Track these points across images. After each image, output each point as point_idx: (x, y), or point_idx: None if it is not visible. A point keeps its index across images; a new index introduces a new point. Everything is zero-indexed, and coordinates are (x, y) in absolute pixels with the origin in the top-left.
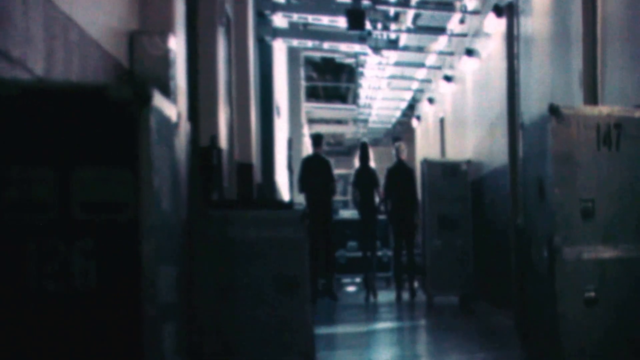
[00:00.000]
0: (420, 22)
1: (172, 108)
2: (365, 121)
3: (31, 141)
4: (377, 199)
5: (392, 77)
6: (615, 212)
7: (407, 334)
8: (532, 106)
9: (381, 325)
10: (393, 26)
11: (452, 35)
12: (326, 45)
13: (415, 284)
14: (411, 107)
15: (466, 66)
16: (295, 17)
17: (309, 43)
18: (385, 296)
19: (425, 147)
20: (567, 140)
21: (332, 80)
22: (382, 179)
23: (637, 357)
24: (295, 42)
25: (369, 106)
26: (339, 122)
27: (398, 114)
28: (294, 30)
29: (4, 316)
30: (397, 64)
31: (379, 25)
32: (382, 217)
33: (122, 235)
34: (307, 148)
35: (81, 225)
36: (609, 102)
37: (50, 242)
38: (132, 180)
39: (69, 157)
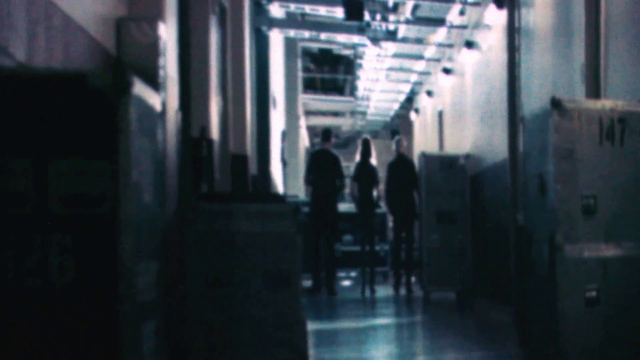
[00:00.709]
0: (420, 13)
1: (156, 97)
2: (364, 113)
3: (8, 130)
4: (375, 195)
5: (391, 69)
6: (618, 209)
7: (403, 330)
8: (533, 100)
9: (378, 321)
10: (392, 17)
11: (452, 27)
12: (324, 36)
13: (413, 279)
14: (409, 100)
15: (466, 58)
16: (293, 7)
17: (306, 34)
18: (382, 291)
19: (423, 141)
20: (569, 135)
21: (330, 72)
22: (381, 175)
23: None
24: (292, 33)
25: (367, 98)
26: (335, 114)
27: (396, 106)
28: (291, 21)
29: None
30: (396, 55)
31: (378, 16)
32: (379, 211)
33: (100, 229)
34: (304, 140)
35: (59, 219)
36: (612, 96)
37: (27, 237)
38: (110, 173)
39: (47, 148)
